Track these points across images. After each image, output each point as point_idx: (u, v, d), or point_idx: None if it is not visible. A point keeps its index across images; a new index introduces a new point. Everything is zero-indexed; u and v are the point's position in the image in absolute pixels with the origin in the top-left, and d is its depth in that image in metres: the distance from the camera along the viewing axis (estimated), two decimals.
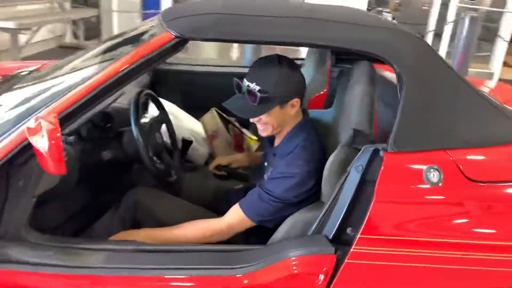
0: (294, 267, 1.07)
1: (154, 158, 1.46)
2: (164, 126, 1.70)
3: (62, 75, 1.40)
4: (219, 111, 2.19)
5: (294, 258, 1.08)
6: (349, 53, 1.68)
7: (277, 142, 1.42)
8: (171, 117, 1.95)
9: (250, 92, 1.27)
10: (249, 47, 4.22)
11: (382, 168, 1.08)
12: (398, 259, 1.09)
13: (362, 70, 1.44)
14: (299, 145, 1.32)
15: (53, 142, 0.93)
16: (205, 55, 5.34)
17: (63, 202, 1.41)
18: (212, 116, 2.19)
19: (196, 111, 2.24)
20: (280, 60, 1.29)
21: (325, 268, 1.07)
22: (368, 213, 1.07)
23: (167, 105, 2.09)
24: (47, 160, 0.96)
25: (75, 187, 1.36)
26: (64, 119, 1.08)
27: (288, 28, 1.18)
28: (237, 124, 2.20)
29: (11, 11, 4.29)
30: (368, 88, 1.34)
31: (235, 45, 5.26)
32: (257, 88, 1.25)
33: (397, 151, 1.10)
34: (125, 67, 1.12)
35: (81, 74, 1.23)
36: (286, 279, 1.07)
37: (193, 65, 2.50)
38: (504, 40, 5.09)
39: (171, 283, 1.09)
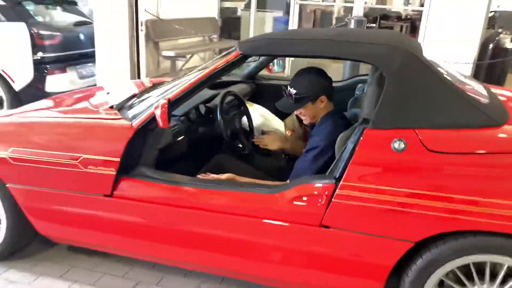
0: (308, 189, 1.64)
1: (232, 137, 2.18)
2: (245, 118, 2.42)
3: (179, 81, 2.24)
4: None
5: (309, 183, 1.65)
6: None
7: (316, 123, 2.02)
8: (261, 118, 2.70)
9: (289, 94, 1.91)
10: (347, 64, 4.71)
11: (362, 138, 1.59)
12: (366, 200, 1.57)
13: (372, 76, 1.93)
14: (326, 128, 1.90)
15: (162, 110, 1.72)
16: None
17: (173, 156, 2.21)
18: (292, 118, 2.85)
19: (283, 116, 2.92)
20: (310, 70, 1.91)
21: (326, 192, 1.61)
22: (348, 167, 1.59)
23: (261, 109, 2.83)
24: (159, 122, 1.75)
25: (183, 149, 2.16)
26: (175, 102, 1.88)
27: (309, 48, 1.79)
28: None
29: (173, 44, 5.67)
30: (375, 88, 1.83)
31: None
32: (294, 91, 1.89)
33: (375, 128, 1.60)
34: (208, 73, 1.87)
35: (185, 80, 2.04)
36: (303, 196, 1.64)
37: (285, 79, 3.20)
38: None
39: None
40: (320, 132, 1.91)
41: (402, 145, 1.55)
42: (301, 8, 9.16)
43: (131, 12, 4.70)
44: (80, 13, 5.56)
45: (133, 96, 2.36)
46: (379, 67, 1.67)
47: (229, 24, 7.40)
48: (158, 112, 1.74)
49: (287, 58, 5.43)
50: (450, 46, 4.78)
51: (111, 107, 2.18)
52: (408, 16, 9.05)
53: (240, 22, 7.27)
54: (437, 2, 4.86)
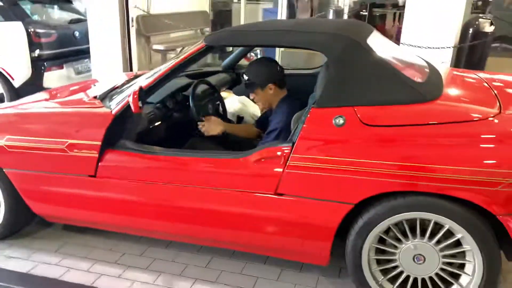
0: (271, 151, 1.86)
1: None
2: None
3: (153, 71, 2.46)
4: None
5: (271, 147, 1.88)
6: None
7: (273, 108, 2.25)
8: (240, 104, 2.93)
9: (244, 80, 2.14)
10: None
11: (308, 116, 1.81)
12: (312, 169, 1.79)
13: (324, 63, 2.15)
14: (282, 112, 2.12)
15: (134, 97, 1.95)
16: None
17: (151, 141, 2.44)
18: None
19: None
20: (261, 60, 2.16)
21: (286, 151, 1.83)
22: (296, 141, 1.81)
23: (239, 97, 3.06)
24: (131, 107, 1.98)
25: (160, 134, 2.39)
26: (148, 90, 2.10)
27: (265, 38, 2.01)
28: None
29: (165, 38, 5.88)
30: (324, 72, 2.05)
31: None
32: (246, 78, 2.12)
33: (319, 107, 1.82)
34: (176, 63, 2.09)
35: (159, 69, 2.26)
36: (266, 157, 1.87)
37: None
38: None
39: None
40: (277, 116, 2.14)
41: (342, 121, 1.77)
42: None
43: (122, 9, 4.92)
44: (75, 11, 5.79)
45: (115, 87, 2.60)
46: (323, 53, 1.89)
47: (220, 17, 7.58)
48: (130, 99, 1.97)
49: (276, 49, 5.64)
50: (431, 32, 4.96)
51: (95, 97, 2.42)
52: (398, 3, 9.15)
53: (231, 14, 7.44)
54: None
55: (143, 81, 2.18)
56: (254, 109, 3.09)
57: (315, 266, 2.21)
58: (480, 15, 5.80)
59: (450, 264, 1.79)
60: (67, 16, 5.64)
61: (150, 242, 2.48)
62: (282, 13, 6.19)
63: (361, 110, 1.77)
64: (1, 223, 2.45)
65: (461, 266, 1.79)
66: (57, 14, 5.73)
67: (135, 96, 1.96)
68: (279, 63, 2.34)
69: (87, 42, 5.41)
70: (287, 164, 1.82)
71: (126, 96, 2.15)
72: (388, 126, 1.74)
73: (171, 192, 2.06)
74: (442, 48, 4.89)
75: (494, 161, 1.61)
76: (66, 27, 5.29)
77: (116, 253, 2.41)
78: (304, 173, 1.81)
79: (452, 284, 1.80)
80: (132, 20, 5.02)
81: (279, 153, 1.84)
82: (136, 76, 2.79)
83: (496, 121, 1.69)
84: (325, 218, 1.84)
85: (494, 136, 1.66)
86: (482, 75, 2.39)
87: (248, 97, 2.91)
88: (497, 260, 1.70)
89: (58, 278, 2.22)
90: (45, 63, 4.89)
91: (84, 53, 5.53)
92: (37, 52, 4.83)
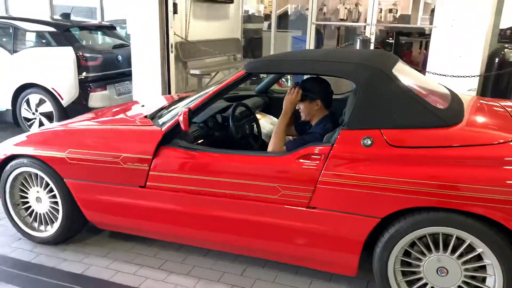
0: (311, 150, 2.08)
1: (242, 139, 2.64)
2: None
3: (198, 94, 2.73)
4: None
5: (311, 146, 2.09)
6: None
7: (313, 123, 2.50)
8: (272, 126, 3.16)
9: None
10: None
11: (338, 137, 2.02)
12: (342, 185, 1.99)
13: (353, 89, 2.37)
14: (320, 127, 2.35)
15: (184, 117, 2.20)
16: None
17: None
18: None
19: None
20: (318, 79, 2.43)
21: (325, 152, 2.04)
22: (327, 159, 2.01)
23: (272, 118, 3.30)
24: (181, 126, 2.24)
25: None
26: (195, 111, 2.36)
27: (299, 66, 2.25)
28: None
29: (200, 63, 6.25)
30: (352, 97, 2.26)
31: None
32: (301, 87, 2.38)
33: (348, 129, 2.02)
34: (220, 87, 2.35)
35: (203, 92, 2.52)
36: (305, 156, 2.07)
37: None
38: None
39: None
40: (317, 129, 2.38)
41: (369, 142, 1.96)
42: (324, 26, 9.67)
43: (162, 36, 5.30)
44: (119, 37, 6.25)
45: (163, 108, 2.88)
46: (350, 81, 2.10)
47: (251, 44, 7.94)
48: (181, 118, 2.23)
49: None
50: (456, 60, 5.12)
51: (145, 117, 2.70)
52: (427, 32, 9.33)
53: (262, 41, 7.79)
54: (441, 19, 5.22)
55: (190, 103, 2.45)
56: None
57: (343, 277, 2.36)
58: (506, 45, 5.92)
59: (472, 277, 1.92)
60: (110, 41, 6.10)
61: (190, 251, 2.70)
62: (310, 41, 6.47)
63: (387, 132, 1.96)
64: (58, 229, 2.72)
65: (483, 280, 1.92)
66: (102, 40, 6.21)
67: (185, 116, 2.21)
68: None
69: (128, 66, 5.82)
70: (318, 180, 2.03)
71: (175, 116, 2.41)
72: (412, 148, 1.92)
73: (211, 202, 2.28)
74: (467, 76, 5.03)
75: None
76: (110, 52, 5.72)
77: (160, 260, 2.64)
78: (335, 189, 2.00)
79: None
80: (172, 46, 5.39)
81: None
82: (181, 99, 3.08)
83: None
84: (354, 231, 2.01)
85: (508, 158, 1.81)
86: (503, 103, 2.54)
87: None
88: None
89: (108, 280, 2.45)
90: (90, 85, 5.29)
91: (125, 76, 5.94)
92: (84, 74, 5.25)
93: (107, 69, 5.55)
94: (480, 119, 2.21)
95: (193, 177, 2.29)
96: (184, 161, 2.33)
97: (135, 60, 5.52)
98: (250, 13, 9.10)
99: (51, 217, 2.75)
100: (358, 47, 5.02)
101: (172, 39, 5.40)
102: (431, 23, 11.49)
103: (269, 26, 7.94)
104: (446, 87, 2.54)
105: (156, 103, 3.18)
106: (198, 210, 2.34)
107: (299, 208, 2.09)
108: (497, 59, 5.23)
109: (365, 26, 5.97)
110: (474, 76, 5.06)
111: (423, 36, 9.68)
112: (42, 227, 2.80)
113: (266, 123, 3.32)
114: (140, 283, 2.42)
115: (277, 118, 3.28)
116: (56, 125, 2.89)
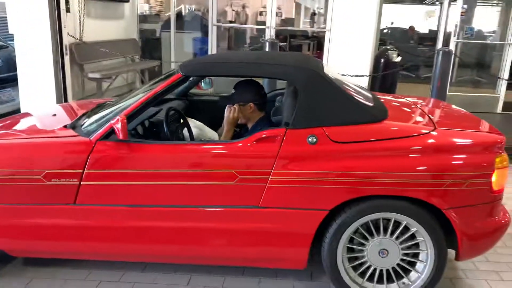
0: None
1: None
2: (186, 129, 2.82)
3: (127, 99, 2.56)
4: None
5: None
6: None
7: (249, 126, 2.52)
8: (196, 129, 3.09)
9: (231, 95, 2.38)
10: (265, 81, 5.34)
11: (285, 137, 2.08)
12: (291, 182, 2.06)
13: (288, 89, 2.47)
14: (256, 131, 2.37)
15: (122, 124, 2.05)
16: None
17: None
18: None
19: (216, 126, 3.35)
20: (250, 82, 2.42)
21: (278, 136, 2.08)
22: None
23: (195, 122, 3.23)
24: (118, 134, 2.08)
25: None
26: (129, 117, 2.21)
27: (238, 69, 2.26)
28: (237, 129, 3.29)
29: (96, 66, 5.82)
30: (290, 98, 2.35)
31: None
32: (233, 91, 2.36)
33: (294, 128, 2.10)
34: (155, 92, 2.24)
35: (134, 98, 2.38)
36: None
37: (214, 95, 3.65)
38: None
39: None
40: (253, 133, 2.38)
41: (315, 139, 2.07)
42: (217, 27, 9.76)
43: (54, 36, 4.81)
44: None
45: (82, 115, 2.63)
46: (291, 83, 2.19)
47: (149, 45, 7.66)
48: (118, 126, 2.06)
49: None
50: (349, 61, 5.63)
51: (65, 126, 2.43)
52: (314, 34, 10.05)
53: (160, 42, 7.57)
54: (335, 24, 5.68)
55: (120, 110, 2.28)
56: (211, 134, 3.28)
57: (289, 272, 2.45)
58: (388, 47, 6.70)
59: (408, 255, 2.15)
60: None
61: (125, 267, 2.52)
62: (212, 43, 6.50)
63: (329, 129, 2.09)
64: None
65: (416, 256, 2.16)
66: None
67: (124, 122, 2.06)
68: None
69: (9, 71, 5.17)
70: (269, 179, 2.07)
71: (105, 123, 2.22)
72: (352, 143, 2.08)
73: (151, 212, 2.17)
74: (359, 76, 5.56)
75: (439, 167, 2.03)
76: None
77: (93, 282, 2.41)
78: (285, 187, 2.06)
79: (410, 271, 2.17)
80: (66, 48, 4.92)
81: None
82: (99, 105, 2.84)
83: (434, 134, 2.12)
84: (305, 225, 2.10)
85: (436, 146, 2.08)
86: (410, 99, 2.89)
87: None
88: (444, 248, 2.10)
89: None
90: None
91: (6, 82, 5.27)
92: None
93: None
94: (399, 114, 2.48)
95: (143, 171, 2.15)
96: (130, 155, 2.16)
97: (22, 64, 4.91)
98: (146, 13, 8.77)
99: None
100: (267, 49, 5.20)
101: (66, 40, 4.94)
102: (311, 26, 12.45)
103: (164, 27, 7.76)
104: (363, 86, 2.79)
105: (71, 111, 2.88)
106: (136, 222, 2.20)
107: (250, 208, 2.10)
108: (382, 60, 5.89)
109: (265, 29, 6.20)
110: (365, 76, 5.62)
111: (310, 38, 10.42)
112: None
113: (192, 127, 3.24)
114: None
115: (199, 121, 3.26)
116: None
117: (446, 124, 2.31)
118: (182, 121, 2.82)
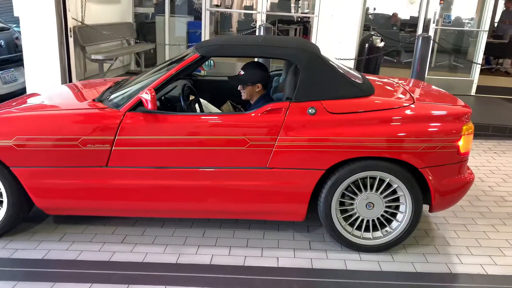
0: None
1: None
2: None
3: (146, 77, 2.90)
4: (231, 102, 3.66)
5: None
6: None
7: (252, 102, 2.88)
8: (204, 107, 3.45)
9: (239, 74, 2.74)
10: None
11: (288, 109, 2.46)
12: (294, 146, 2.45)
13: (288, 69, 2.85)
14: (260, 105, 2.74)
15: (152, 95, 2.40)
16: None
17: None
18: (227, 105, 3.66)
19: (219, 103, 3.71)
20: (258, 64, 2.80)
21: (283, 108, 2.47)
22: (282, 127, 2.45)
23: (202, 101, 3.59)
24: (147, 105, 2.42)
25: None
26: (155, 90, 2.55)
27: (251, 50, 2.63)
28: (239, 106, 3.65)
29: (96, 48, 6.06)
30: (292, 76, 2.73)
31: None
32: (243, 73, 2.74)
33: (296, 102, 2.48)
34: (176, 70, 2.59)
35: (155, 76, 2.72)
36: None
37: (216, 76, 4.00)
38: None
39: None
40: (255, 107, 2.76)
41: (314, 111, 2.46)
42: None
43: (59, 19, 5.05)
44: None
45: (105, 91, 2.96)
46: (294, 62, 2.58)
47: (144, 28, 7.87)
48: (148, 97, 2.41)
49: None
50: (337, 46, 6.03)
51: (93, 100, 2.76)
52: (299, 20, 10.38)
53: (154, 26, 7.79)
54: (323, 9, 6.05)
55: (144, 85, 2.62)
56: (215, 111, 3.65)
57: (288, 225, 2.86)
58: (372, 32, 7.11)
59: (390, 207, 2.59)
60: None
61: (146, 224, 2.90)
62: (205, 27, 6.79)
63: (326, 103, 2.48)
64: (3, 220, 2.64)
65: (397, 208, 2.60)
66: None
67: (153, 94, 2.41)
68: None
69: (11, 52, 5.38)
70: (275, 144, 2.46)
71: (132, 96, 2.56)
72: (345, 114, 2.48)
73: (173, 172, 2.54)
74: (346, 59, 5.97)
75: (417, 133, 2.45)
76: None
77: (120, 236, 2.78)
78: (289, 151, 2.46)
79: (392, 221, 2.61)
80: (70, 30, 5.16)
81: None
82: (117, 82, 3.17)
83: (413, 106, 2.54)
84: (305, 182, 2.50)
85: (414, 116, 2.50)
86: (393, 79, 3.30)
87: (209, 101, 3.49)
88: (420, 200, 2.53)
89: (75, 259, 2.52)
90: None
91: (10, 63, 5.47)
92: None
93: None
94: (384, 91, 2.89)
95: (168, 138, 2.49)
96: (156, 124, 2.49)
97: (27, 46, 5.15)
98: None
99: None
100: (262, 33, 5.53)
101: (70, 23, 5.18)
102: (296, 11, 12.76)
103: (158, 11, 7.98)
104: (352, 68, 3.19)
105: (96, 86, 3.20)
106: (160, 181, 2.56)
107: (259, 169, 2.49)
108: (367, 45, 6.30)
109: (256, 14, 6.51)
110: (351, 59, 6.03)
111: (296, 23, 10.75)
112: None
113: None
114: (110, 257, 2.55)
115: (203, 98, 3.61)
116: None
117: (424, 100, 2.74)
118: (193, 97, 3.18)
